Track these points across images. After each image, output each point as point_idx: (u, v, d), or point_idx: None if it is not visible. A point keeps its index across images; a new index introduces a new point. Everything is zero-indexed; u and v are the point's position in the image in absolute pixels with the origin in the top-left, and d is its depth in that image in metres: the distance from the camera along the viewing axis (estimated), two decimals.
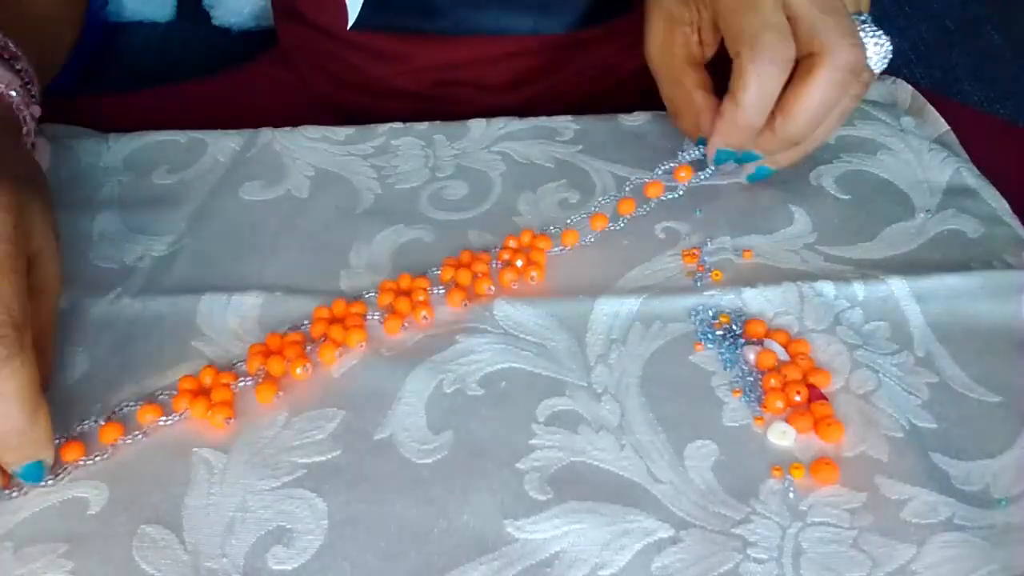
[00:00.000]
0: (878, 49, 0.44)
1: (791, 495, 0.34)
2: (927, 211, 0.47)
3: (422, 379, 0.39)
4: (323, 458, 0.36)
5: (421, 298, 0.42)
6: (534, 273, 0.43)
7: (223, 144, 0.53)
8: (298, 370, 0.39)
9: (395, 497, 0.35)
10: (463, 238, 0.47)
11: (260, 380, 0.39)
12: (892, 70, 0.51)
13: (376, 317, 0.42)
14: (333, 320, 0.41)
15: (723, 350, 0.40)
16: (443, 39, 0.61)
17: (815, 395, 0.38)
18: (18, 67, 0.43)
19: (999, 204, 0.48)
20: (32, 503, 0.35)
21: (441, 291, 0.43)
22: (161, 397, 0.39)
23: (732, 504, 0.34)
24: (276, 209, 0.49)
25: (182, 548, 0.33)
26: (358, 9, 0.59)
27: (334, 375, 0.40)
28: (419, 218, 0.48)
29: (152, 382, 0.39)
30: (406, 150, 0.53)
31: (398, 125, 0.54)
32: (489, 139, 0.53)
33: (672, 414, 0.37)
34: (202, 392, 0.38)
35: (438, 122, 0.54)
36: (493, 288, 0.43)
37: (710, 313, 0.41)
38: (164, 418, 0.38)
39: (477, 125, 0.54)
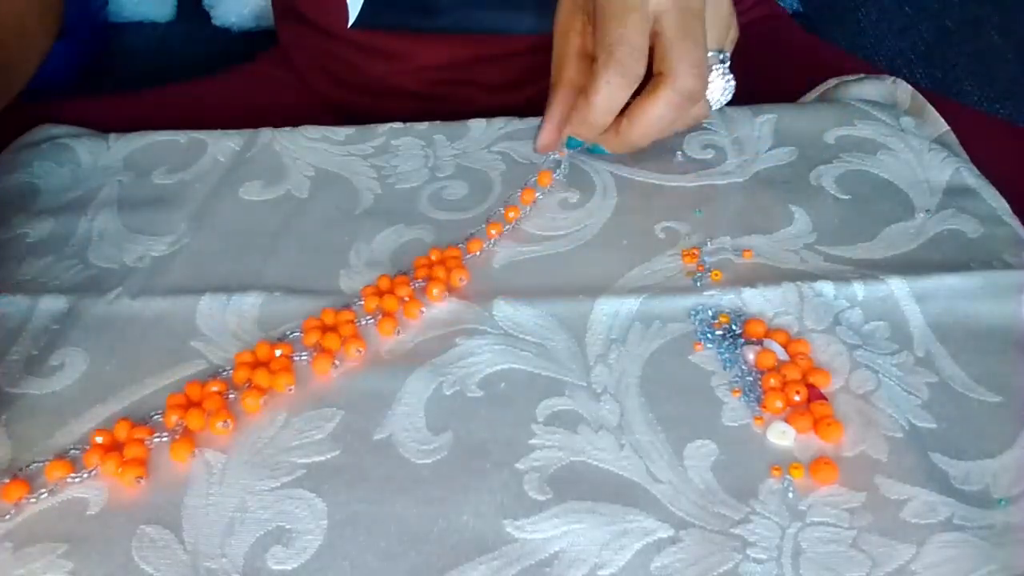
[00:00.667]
0: (723, 85, 0.48)
1: (790, 495, 0.34)
2: (927, 211, 0.47)
3: (422, 381, 0.39)
4: (322, 458, 0.36)
5: (349, 332, 0.41)
6: (461, 277, 0.43)
7: (223, 144, 0.53)
8: (218, 424, 0.37)
9: (395, 497, 0.35)
10: (463, 238, 0.46)
11: (177, 436, 0.37)
12: (892, 70, 0.51)
13: (304, 357, 0.40)
14: (257, 364, 0.40)
15: (723, 350, 0.40)
16: (443, 38, 0.61)
17: (815, 395, 0.38)
18: None
19: (999, 204, 0.47)
20: (32, 503, 0.35)
21: (370, 321, 0.42)
22: (72, 452, 0.37)
23: (731, 504, 0.34)
24: (276, 209, 0.49)
25: (181, 548, 0.33)
26: (359, 7, 0.59)
27: (333, 376, 0.40)
28: (419, 218, 0.48)
29: (152, 382, 0.39)
30: (406, 150, 0.53)
31: (398, 125, 0.54)
32: (489, 139, 0.53)
33: (672, 414, 0.37)
34: (115, 447, 0.36)
35: (438, 122, 0.54)
36: (424, 310, 0.42)
37: (710, 313, 0.41)
38: (73, 475, 0.36)
39: (477, 125, 0.54)
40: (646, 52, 0.44)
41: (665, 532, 0.33)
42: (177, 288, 0.44)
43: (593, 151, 0.49)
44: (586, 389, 0.38)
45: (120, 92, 0.65)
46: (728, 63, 0.48)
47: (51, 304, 0.43)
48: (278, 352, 0.40)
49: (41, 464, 0.36)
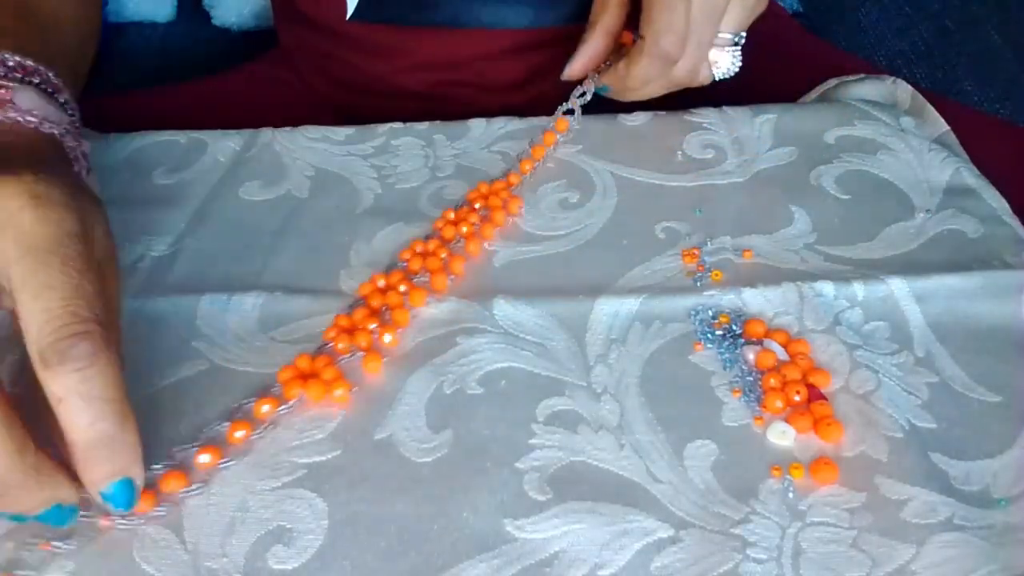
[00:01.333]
0: (730, 60, 0.52)
1: (790, 495, 0.34)
2: (927, 211, 0.47)
3: (423, 381, 0.39)
4: (323, 458, 0.36)
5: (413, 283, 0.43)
6: (517, 203, 0.48)
7: (223, 144, 0.53)
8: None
9: (395, 497, 0.35)
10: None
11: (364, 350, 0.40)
12: (892, 70, 0.51)
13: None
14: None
15: (723, 350, 0.40)
16: (442, 33, 0.61)
17: (815, 395, 0.38)
18: (61, 100, 0.41)
19: (999, 204, 0.47)
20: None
21: (424, 279, 0.43)
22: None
23: (732, 504, 0.34)
24: (276, 209, 0.49)
25: (182, 548, 0.33)
26: (356, 1, 0.59)
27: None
28: (419, 218, 0.48)
29: (152, 382, 0.39)
30: (406, 150, 0.53)
31: (398, 125, 0.54)
32: (489, 139, 0.53)
33: (672, 414, 0.37)
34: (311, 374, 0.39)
35: (438, 122, 0.54)
36: (429, 299, 0.42)
37: (710, 313, 0.41)
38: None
39: (477, 125, 0.54)
40: (687, 36, 0.48)
41: (665, 532, 0.33)
42: (177, 288, 0.44)
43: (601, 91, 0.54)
44: (586, 389, 0.38)
45: (120, 92, 0.65)
46: (741, 43, 0.51)
47: None
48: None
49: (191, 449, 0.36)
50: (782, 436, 0.36)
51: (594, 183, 0.50)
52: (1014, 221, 0.46)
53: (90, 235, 0.34)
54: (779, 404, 0.37)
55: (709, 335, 0.41)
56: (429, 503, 0.34)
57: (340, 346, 0.40)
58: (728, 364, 0.39)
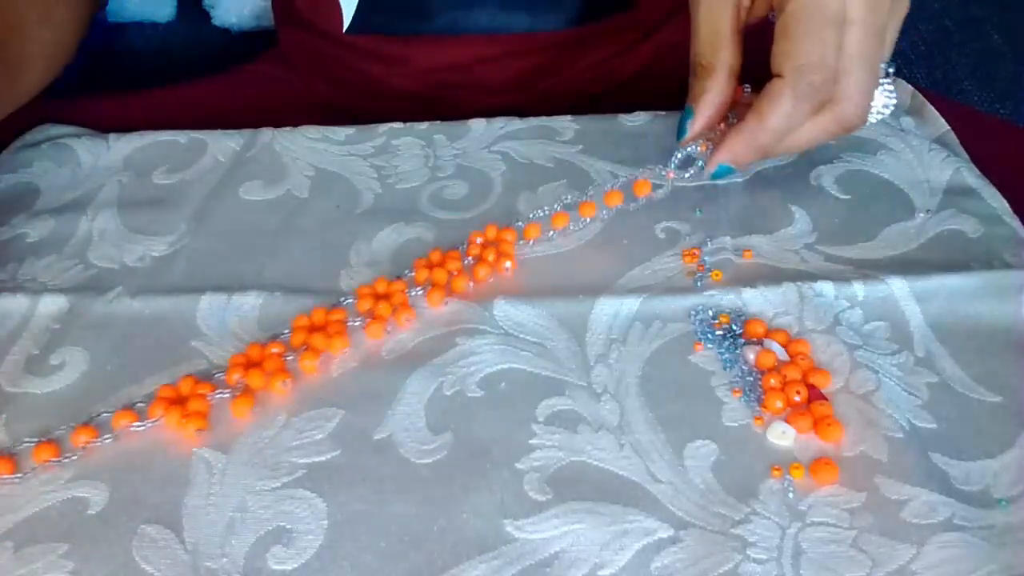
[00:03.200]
0: (884, 100, 0.44)
1: (791, 495, 0.34)
2: (927, 211, 0.47)
3: (422, 381, 0.39)
4: (323, 458, 0.36)
5: (400, 301, 0.42)
6: (507, 263, 0.43)
7: (223, 144, 0.53)
8: (278, 384, 0.39)
9: (395, 497, 0.35)
10: (463, 238, 0.47)
11: (238, 393, 0.38)
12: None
13: (358, 323, 0.41)
14: (313, 328, 0.41)
15: (723, 350, 0.40)
16: (440, 40, 0.61)
17: (815, 395, 0.38)
18: None
19: (999, 204, 0.47)
20: (32, 503, 0.35)
21: (419, 292, 0.43)
22: (138, 405, 0.38)
23: (732, 504, 0.34)
24: (276, 209, 0.49)
25: (182, 548, 0.33)
26: (352, 11, 0.59)
27: (333, 375, 0.40)
28: (419, 218, 0.48)
29: (152, 382, 0.39)
30: (406, 150, 0.53)
31: (398, 125, 0.54)
32: (489, 139, 0.53)
33: (672, 414, 0.37)
34: (178, 401, 0.38)
35: (438, 122, 0.54)
36: (472, 284, 0.43)
37: (710, 313, 0.41)
38: (138, 423, 0.37)
39: (477, 125, 0.54)
40: (836, 74, 0.40)
41: (665, 532, 0.33)
42: (177, 288, 0.44)
43: (721, 175, 0.44)
44: (586, 389, 0.38)
45: (120, 92, 0.65)
46: (892, 73, 0.44)
47: (51, 304, 0.43)
48: (274, 351, 0.40)
49: (109, 414, 0.38)
50: (782, 436, 0.36)
51: (594, 183, 0.50)
52: (1014, 221, 0.46)
53: None
54: (779, 404, 0.37)
55: (709, 335, 0.40)
56: (429, 504, 0.34)
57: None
58: (728, 364, 0.39)
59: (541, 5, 0.59)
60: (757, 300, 0.42)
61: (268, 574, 0.32)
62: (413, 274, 0.44)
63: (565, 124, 0.54)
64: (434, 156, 0.52)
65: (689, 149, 0.44)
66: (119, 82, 0.85)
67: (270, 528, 0.34)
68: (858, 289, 0.42)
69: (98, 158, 0.53)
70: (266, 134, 0.54)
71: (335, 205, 0.49)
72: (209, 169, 0.52)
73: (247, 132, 0.54)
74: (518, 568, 0.32)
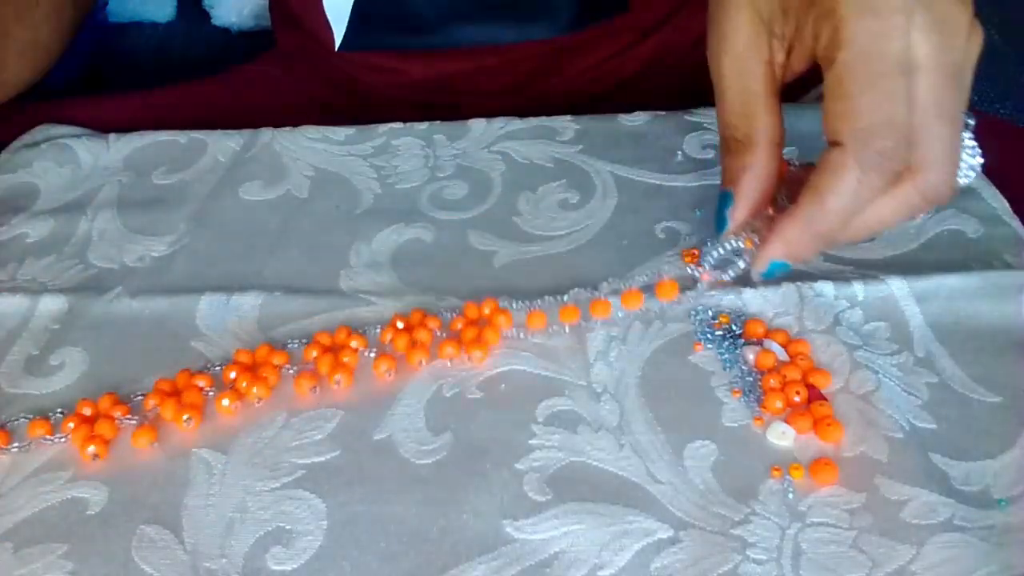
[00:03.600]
0: (968, 162, 0.35)
1: (790, 495, 0.34)
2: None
3: (422, 383, 0.39)
4: (322, 459, 0.36)
5: (346, 359, 0.39)
6: (478, 353, 0.39)
7: (223, 144, 0.53)
8: (184, 418, 0.37)
9: (395, 497, 0.35)
10: (463, 238, 0.47)
11: (144, 422, 0.38)
12: None
13: (292, 371, 0.39)
14: (245, 368, 0.39)
15: (723, 350, 0.40)
16: (434, 54, 0.61)
17: (814, 395, 0.37)
18: None
19: (999, 204, 0.47)
20: (32, 503, 0.35)
21: (372, 354, 0.39)
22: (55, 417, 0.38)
23: (731, 504, 0.34)
24: (276, 209, 0.49)
25: (181, 548, 0.33)
26: (343, 31, 0.59)
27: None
28: (419, 218, 0.48)
29: (152, 383, 0.39)
30: (406, 150, 0.53)
31: (398, 125, 0.54)
32: (489, 139, 0.53)
33: (671, 414, 0.37)
34: (84, 422, 0.37)
35: (438, 122, 0.54)
36: (424, 362, 0.39)
37: (710, 313, 0.41)
38: (50, 438, 0.37)
39: (477, 125, 0.54)
40: (916, 132, 0.32)
41: (665, 533, 0.33)
42: (177, 288, 0.44)
43: (773, 273, 0.37)
44: (586, 389, 0.38)
45: (120, 92, 0.65)
46: (973, 125, 0.35)
47: (51, 304, 0.43)
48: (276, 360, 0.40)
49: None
50: (782, 436, 0.36)
51: (594, 183, 0.50)
52: (1014, 221, 0.46)
53: None
54: (779, 404, 0.37)
55: (709, 335, 0.40)
56: (429, 504, 0.34)
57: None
58: (728, 364, 0.39)
59: (533, 16, 0.59)
60: (757, 300, 0.42)
61: (268, 574, 0.32)
62: (379, 331, 0.41)
63: (565, 124, 0.54)
64: (434, 156, 0.52)
65: (730, 244, 0.37)
66: (119, 82, 0.85)
67: (270, 528, 0.34)
68: (858, 289, 0.42)
69: (98, 158, 0.53)
70: (266, 134, 0.54)
71: (335, 205, 0.49)
72: (209, 169, 0.52)
73: (247, 132, 0.54)
74: (518, 568, 0.32)
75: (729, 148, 0.37)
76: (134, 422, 0.38)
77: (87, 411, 0.38)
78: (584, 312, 0.41)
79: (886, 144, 0.32)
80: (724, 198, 0.37)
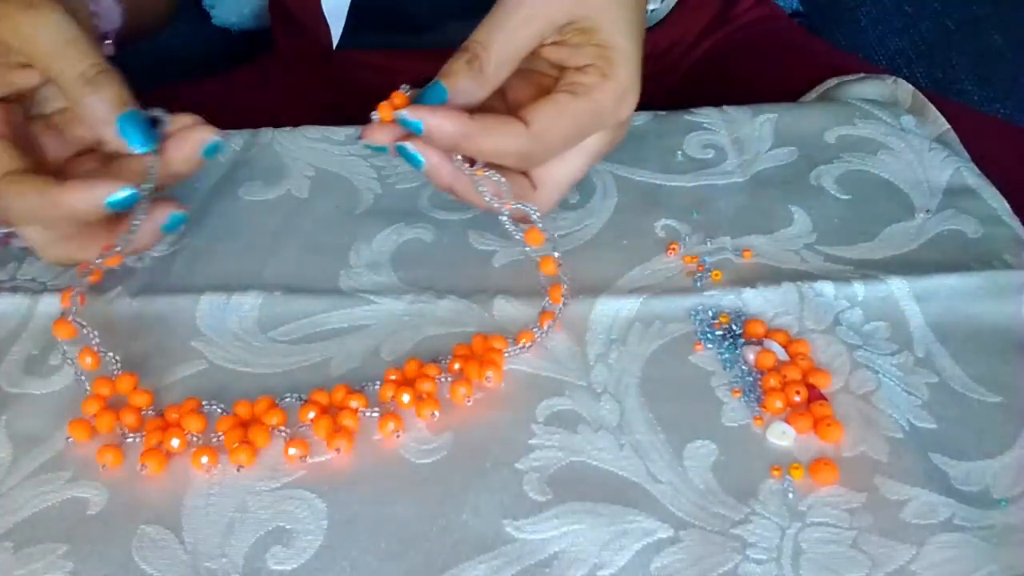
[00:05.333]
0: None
1: (790, 495, 0.34)
2: (927, 211, 0.47)
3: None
4: (322, 458, 0.36)
5: (348, 422, 0.37)
6: (490, 374, 0.38)
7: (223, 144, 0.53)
8: (202, 459, 0.36)
9: (395, 497, 0.35)
10: (463, 238, 0.47)
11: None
12: (892, 69, 0.51)
13: (283, 433, 0.37)
14: (243, 423, 0.37)
15: (723, 350, 0.40)
16: (432, 53, 0.61)
17: (814, 395, 0.37)
18: None
19: (999, 204, 0.47)
20: (32, 503, 0.35)
21: (375, 413, 0.37)
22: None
23: (731, 504, 0.34)
24: (276, 209, 0.49)
25: (182, 548, 0.33)
26: (340, 29, 0.59)
27: (333, 376, 0.40)
28: (419, 218, 0.48)
29: (151, 382, 0.39)
30: None
31: None
32: None
33: (671, 414, 0.37)
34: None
35: None
36: (437, 415, 0.37)
37: (710, 313, 0.41)
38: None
39: None
40: None
41: (665, 532, 0.33)
42: (177, 288, 0.44)
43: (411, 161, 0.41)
44: (586, 389, 0.38)
45: None
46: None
47: (51, 304, 0.43)
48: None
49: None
50: (782, 436, 0.36)
51: (594, 183, 0.50)
52: (1014, 221, 0.46)
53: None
54: (779, 404, 0.37)
55: (709, 335, 0.40)
56: (429, 504, 0.34)
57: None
58: (728, 364, 0.39)
59: None
60: (757, 300, 0.42)
61: (268, 574, 0.32)
62: (378, 387, 0.38)
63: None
64: None
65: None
66: None
67: (270, 528, 0.34)
68: (858, 289, 0.42)
69: None
70: (266, 134, 0.54)
71: (335, 205, 0.49)
72: (209, 169, 0.52)
73: (247, 132, 0.54)
74: (518, 568, 0.32)
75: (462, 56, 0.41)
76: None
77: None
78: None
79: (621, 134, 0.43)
80: (435, 87, 0.40)
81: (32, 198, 0.37)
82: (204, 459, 0.36)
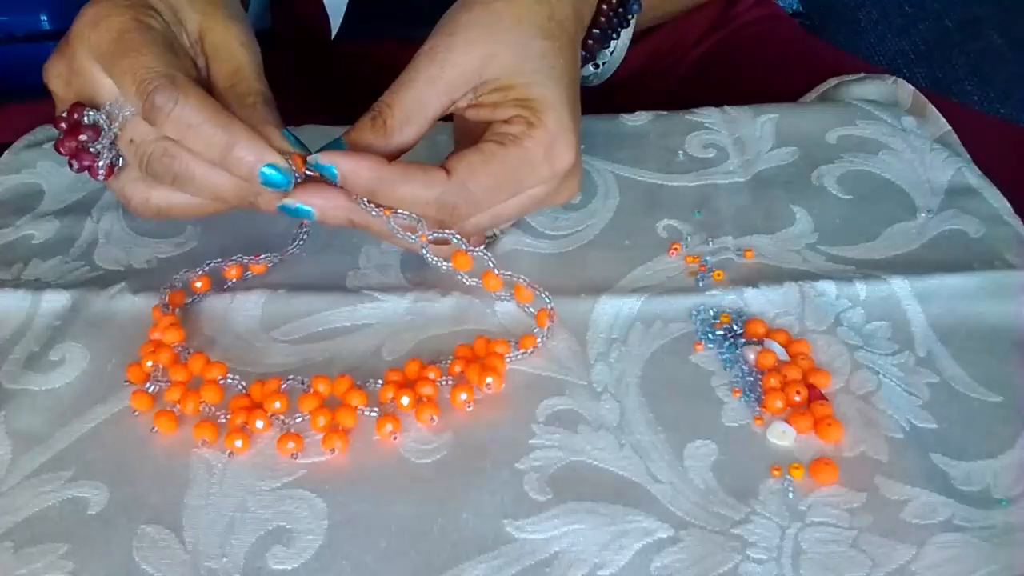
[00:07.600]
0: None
1: (790, 495, 0.34)
2: (928, 211, 0.47)
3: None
4: (323, 458, 0.36)
5: (349, 424, 0.37)
6: (490, 379, 0.38)
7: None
8: (237, 443, 0.36)
9: (395, 497, 0.35)
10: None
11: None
12: (892, 70, 0.51)
13: (299, 418, 0.37)
14: (252, 407, 0.38)
15: (723, 350, 0.40)
16: None
17: (815, 395, 0.37)
18: None
19: (1000, 204, 0.47)
20: (32, 503, 0.35)
21: (374, 413, 0.37)
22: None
23: (731, 504, 0.34)
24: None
25: (182, 548, 0.33)
26: (340, 18, 0.59)
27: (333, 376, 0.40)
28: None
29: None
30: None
31: None
32: None
33: (672, 414, 0.37)
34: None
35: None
36: (436, 419, 0.37)
37: (711, 313, 0.41)
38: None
39: None
40: None
41: (665, 532, 0.33)
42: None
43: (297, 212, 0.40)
44: (586, 388, 0.38)
45: None
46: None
47: (53, 300, 0.43)
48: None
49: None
50: (782, 436, 0.36)
51: (596, 183, 0.50)
52: (1015, 221, 0.46)
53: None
54: (779, 404, 0.37)
55: (710, 335, 0.40)
56: (429, 503, 0.34)
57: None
58: (728, 364, 0.39)
59: None
60: (759, 300, 0.42)
61: (268, 574, 0.32)
62: (379, 387, 0.38)
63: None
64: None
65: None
66: None
67: (270, 528, 0.34)
68: (860, 289, 0.42)
69: None
70: None
71: None
72: None
73: None
74: (518, 568, 0.32)
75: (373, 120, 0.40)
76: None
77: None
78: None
79: (574, 185, 0.42)
80: (336, 143, 0.40)
81: (219, 134, 0.37)
82: (290, 444, 0.36)
